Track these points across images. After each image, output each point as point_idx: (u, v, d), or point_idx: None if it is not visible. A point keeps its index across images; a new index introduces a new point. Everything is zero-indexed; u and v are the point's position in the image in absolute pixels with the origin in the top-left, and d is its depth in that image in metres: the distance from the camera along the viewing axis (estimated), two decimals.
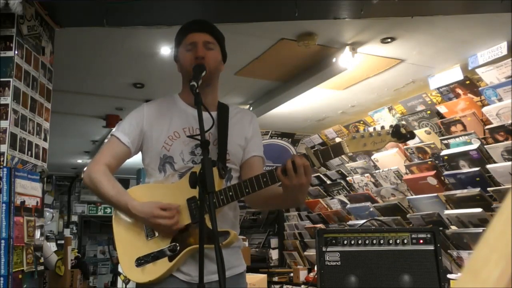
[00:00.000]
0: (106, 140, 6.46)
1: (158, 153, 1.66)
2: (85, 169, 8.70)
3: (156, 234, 1.60)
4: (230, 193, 1.53)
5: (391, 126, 1.43)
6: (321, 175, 5.17)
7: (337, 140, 4.98)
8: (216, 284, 1.23)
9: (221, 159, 1.62)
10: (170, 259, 1.56)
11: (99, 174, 1.63)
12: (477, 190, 3.23)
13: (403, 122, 1.47)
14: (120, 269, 1.65)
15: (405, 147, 4.00)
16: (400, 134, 1.41)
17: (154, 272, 1.56)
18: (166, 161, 1.65)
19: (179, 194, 1.58)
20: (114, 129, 1.75)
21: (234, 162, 1.70)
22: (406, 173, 4.00)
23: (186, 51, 1.69)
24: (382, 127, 1.44)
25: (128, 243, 1.63)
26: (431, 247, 2.37)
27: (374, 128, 1.45)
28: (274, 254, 5.97)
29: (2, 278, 2.16)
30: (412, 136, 1.43)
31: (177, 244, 1.56)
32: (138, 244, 1.61)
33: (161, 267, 1.56)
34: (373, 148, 1.46)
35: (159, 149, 1.65)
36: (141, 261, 1.58)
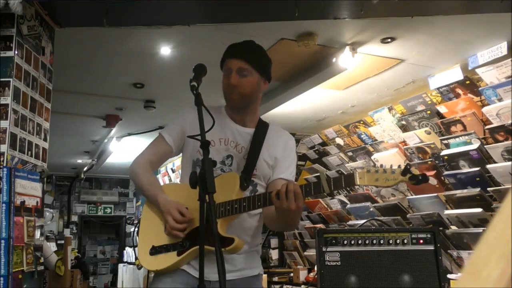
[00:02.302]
0: (105, 140, 6.46)
1: (192, 157, 1.78)
2: (85, 168, 8.64)
3: None
4: (244, 204, 1.61)
5: (405, 166, 1.49)
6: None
7: (337, 140, 4.98)
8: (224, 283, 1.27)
9: (246, 172, 1.71)
10: (179, 254, 1.67)
11: (139, 166, 1.81)
12: (477, 190, 3.23)
13: (414, 168, 1.53)
14: (136, 254, 1.83)
15: (405, 147, 4.00)
16: (413, 175, 1.47)
17: (163, 262, 1.68)
18: (197, 165, 1.74)
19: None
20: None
21: (260, 177, 1.77)
22: None
23: (224, 76, 1.78)
24: (399, 166, 1.51)
25: (149, 232, 1.77)
26: (431, 247, 2.37)
27: (391, 166, 1.51)
28: (274, 254, 5.97)
29: (2, 278, 2.16)
30: (425, 179, 1.48)
31: (187, 241, 1.67)
32: (157, 234, 1.73)
33: (170, 259, 1.67)
34: (384, 184, 1.51)
35: (194, 153, 1.77)
36: (155, 250, 1.70)
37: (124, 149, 6.64)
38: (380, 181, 1.50)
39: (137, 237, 1.82)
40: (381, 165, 1.51)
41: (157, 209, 1.74)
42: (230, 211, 1.60)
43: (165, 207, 1.69)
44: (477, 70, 3.40)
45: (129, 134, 6.15)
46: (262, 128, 1.82)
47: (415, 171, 1.47)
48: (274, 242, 6.05)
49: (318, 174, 5.18)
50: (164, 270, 1.68)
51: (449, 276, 2.83)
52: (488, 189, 3.20)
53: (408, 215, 3.83)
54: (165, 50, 3.59)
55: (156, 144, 1.86)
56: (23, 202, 2.35)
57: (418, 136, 3.85)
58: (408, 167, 1.48)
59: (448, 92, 3.70)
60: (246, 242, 1.70)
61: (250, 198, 1.61)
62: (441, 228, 3.18)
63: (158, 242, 1.71)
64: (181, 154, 1.90)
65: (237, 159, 1.74)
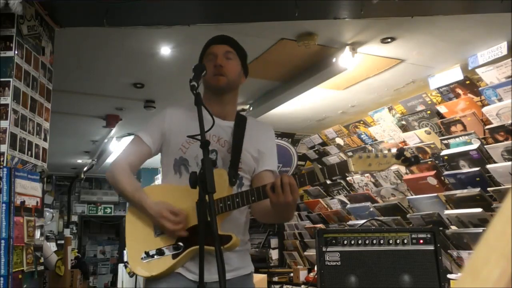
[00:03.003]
0: (105, 140, 6.47)
1: (174, 155, 1.73)
2: (85, 168, 8.63)
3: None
4: (237, 200, 1.59)
5: (397, 149, 1.52)
6: None
7: (337, 140, 4.98)
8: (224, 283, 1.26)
9: (233, 167, 1.68)
10: (174, 257, 1.63)
11: (119, 171, 1.73)
12: (477, 190, 3.23)
13: (403, 147, 1.56)
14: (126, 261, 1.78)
15: (405, 147, 4.00)
16: (405, 158, 1.49)
17: (157, 267, 1.63)
18: (182, 163, 1.71)
19: (190, 195, 1.62)
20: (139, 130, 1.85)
21: (245, 170, 1.75)
22: (406, 173, 3.99)
23: (207, 61, 1.75)
24: (389, 150, 1.54)
25: (137, 238, 1.70)
26: (431, 247, 2.37)
27: (381, 150, 1.52)
28: (274, 254, 5.97)
29: (2, 278, 2.16)
30: (417, 160, 1.51)
31: (181, 243, 1.63)
32: (147, 239, 1.68)
33: (165, 263, 1.63)
34: (378, 168, 1.54)
35: (176, 151, 1.72)
36: (147, 256, 1.65)
37: None
38: (374, 165, 1.51)
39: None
40: (371, 150, 1.53)
41: (143, 214, 1.68)
42: (223, 208, 1.58)
43: (154, 210, 1.63)
44: (477, 70, 3.40)
45: (129, 134, 6.14)
46: (241, 121, 1.79)
47: (408, 154, 1.50)
48: (274, 242, 6.05)
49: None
50: (159, 275, 1.63)
51: (449, 276, 2.83)
52: (488, 189, 3.20)
53: (408, 215, 3.83)
54: (165, 50, 3.59)
55: (133, 146, 1.80)
56: (23, 202, 2.35)
57: (418, 136, 3.84)
58: (402, 150, 1.50)
59: (448, 92, 3.70)
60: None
61: (243, 193, 1.59)
62: (441, 228, 3.18)
63: (150, 247, 1.66)
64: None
65: (221, 154, 1.71)
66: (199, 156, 1.67)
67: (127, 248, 1.72)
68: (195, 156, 1.69)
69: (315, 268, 3.46)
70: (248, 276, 1.75)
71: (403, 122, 4.12)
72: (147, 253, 1.65)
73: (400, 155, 1.49)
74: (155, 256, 1.64)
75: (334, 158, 5.01)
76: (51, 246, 4.82)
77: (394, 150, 1.52)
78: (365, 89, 4.29)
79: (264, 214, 1.73)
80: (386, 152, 1.52)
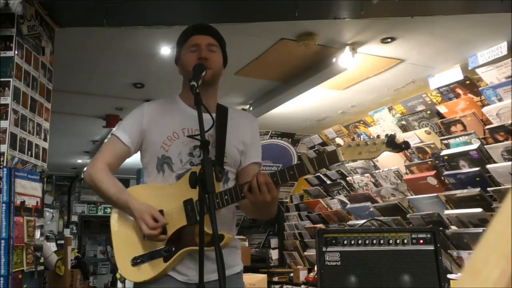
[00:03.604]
0: (106, 140, 6.46)
1: (156, 153, 1.67)
2: (85, 169, 8.69)
3: None
4: (226, 197, 1.55)
5: (386, 135, 1.46)
6: (321, 175, 5.17)
7: (337, 140, 4.98)
8: (214, 283, 1.24)
9: (218, 161, 1.63)
10: (165, 260, 1.57)
11: (99, 172, 1.65)
12: (477, 190, 3.23)
13: (393, 133, 1.47)
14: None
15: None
16: (395, 144, 1.43)
17: (149, 272, 1.58)
18: (164, 162, 1.65)
19: (176, 195, 1.59)
20: (115, 128, 1.76)
21: (231, 164, 1.71)
22: (406, 173, 4.00)
23: (189, 52, 1.69)
24: (378, 136, 1.47)
25: (125, 243, 1.65)
26: (431, 247, 2.37)
27: (370, 137, 1.48)
28: (274, 254, 5.97)
29: (2, 278, 2.16)
30: (407, 146, 1.46)
31: (173, 246, 1.58)
32: (135, 243, 1.62)
33: (156, 267, 1.58)
34: (368, 156, 1.49)
35: (157, 149, 1.66)
36: (137, 261, 1.60)
37: None
38: (364, 154, 1.47)
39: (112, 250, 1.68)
40: (358, 136, 1.50)
41: (129, 215, 1.62)
42: (221, 203, 1.54)
43: (137, 211, 1.56)
44: (477, 70, 3.40)
45: None
46: (222, 112, 1.73)
47: (398, 140, 1.44)
48: (274, 242, 6.05)
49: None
50: (151, 280, 1.57)
51: (449, 276, 2.83)
52: (488, 189, 3.20)
53: (408, 215, 3.83)
54: (165, 50, 3.59)
55: (110, 146, 1.71)
56: (23, 202, 2.35)
57: (418, 136, 3.85)
58: (392, 136, 1.44)
59: (448, 92, 3.70)
60: None
61: (232, 190, 1.55)
62: (441, 228, 3.18)
63: (139, 252, 1.60)
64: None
65: None
66: (182, 154, 1.64)
67: (115, 254, 1.65)
68: (178, 154, 1.64)
69: (315, 268, 3.46)
70: (238, 275, 1.72)
71: (403, 122, 4.12)
72: (136, 258, 1.60)
73: (391, 142, 1.43)
74: (146, 261, 1.58)
75: None
76: (51, 246, 4.82)
77: (383, 136, 1.46)
78: (365, 89, 4.29)
79: (249, 209, 1.69)
80: (375, 139, 1.47)
